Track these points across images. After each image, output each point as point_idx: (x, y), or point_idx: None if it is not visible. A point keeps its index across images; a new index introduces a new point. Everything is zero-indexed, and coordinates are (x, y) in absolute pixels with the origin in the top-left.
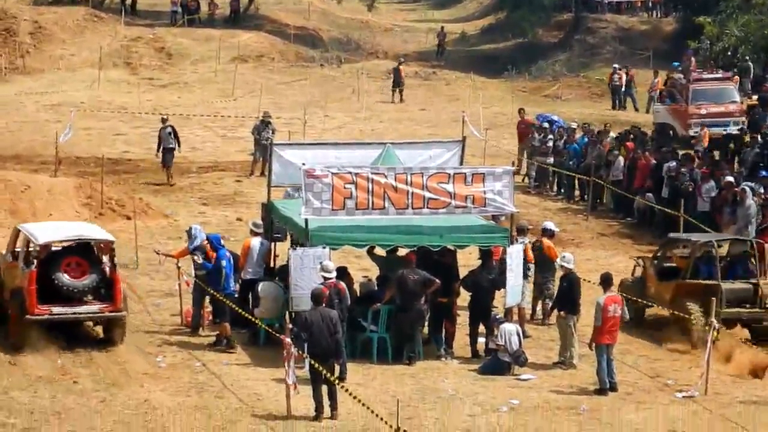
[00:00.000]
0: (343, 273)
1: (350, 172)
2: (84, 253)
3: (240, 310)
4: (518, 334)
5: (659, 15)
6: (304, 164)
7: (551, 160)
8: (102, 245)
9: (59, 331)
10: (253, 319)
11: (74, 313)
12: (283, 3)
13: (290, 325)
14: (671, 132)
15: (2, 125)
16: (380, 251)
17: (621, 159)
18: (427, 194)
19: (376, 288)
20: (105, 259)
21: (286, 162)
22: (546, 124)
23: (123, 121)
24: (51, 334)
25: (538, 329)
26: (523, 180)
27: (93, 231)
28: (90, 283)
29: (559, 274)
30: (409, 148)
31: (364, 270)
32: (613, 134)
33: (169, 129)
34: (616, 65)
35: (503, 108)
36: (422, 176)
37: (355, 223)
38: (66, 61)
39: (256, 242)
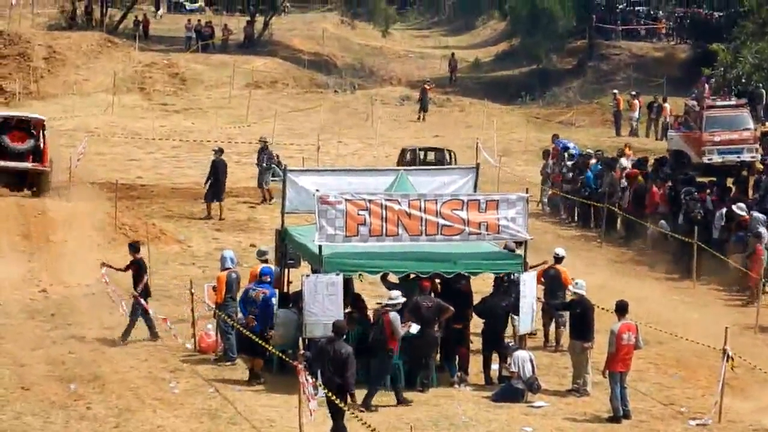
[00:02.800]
0: (356, 300)
1: (364, 199)
2: (25, 126)
3: (255, 338)
4: (531, 361)
5: (675, 41)
6: (317, 191)
7: (566, 187)
8: (36, 122)
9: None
10: (266, 346)
11: (14, 167)
12: (297, 29)
13: (302, 351)
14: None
15: None
16: (393, 278)
17: None
18: (441, 221)
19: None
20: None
21: (300, 188)
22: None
23: (137, 146)
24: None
25: (552, 356)
26: (537, 205)
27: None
28: (26, 148)
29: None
30: (423, 175)
31: (378, 297)
32: (626, 161)
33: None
34: (615, 91)
35: (517, 134)
36: (436, 203)
37: (369, 250)
38: (80, 86)
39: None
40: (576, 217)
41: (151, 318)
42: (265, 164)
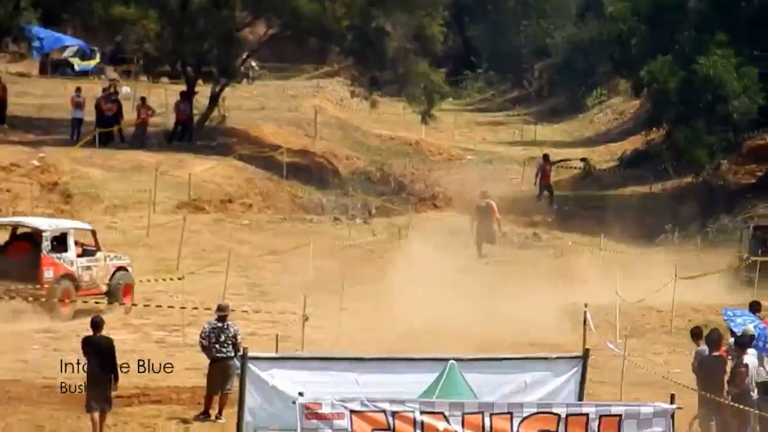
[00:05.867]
0: None
1: (384, 410)
2: None
3: None
4: None
5: None
6: (301, 394)
7: (755, 394)
8: None
9: None
10: None
11: None
12: (271, 108)
13: None
14: None
15: None
16: None
17: None
18: None
19: None
20: None
21: (269, 390)
22: (735, 329)
23: None
24: None
25: None
26: (691, 426)
27: None
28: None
29: None
30: (489, 369)
31: None
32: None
33: None
34: None
35: (657, 299)
36: (511, 420)
37: None
38: None
39: None
40: None
41: None
42: (225, 349)
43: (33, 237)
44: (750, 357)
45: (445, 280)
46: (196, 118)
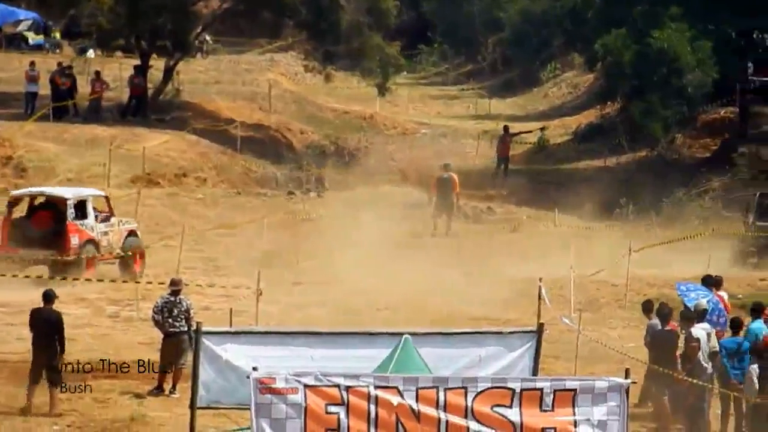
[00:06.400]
0: None
1: (338, 385)
2: None
3: None
4: None
5: None
6: (255, 369)
7: (709, 367)
8: None
9: None
10: None
11: None
12: (225, 82)
13: None
14: None
15: None
16: None
17: None
18: (475, 426)
19: None
20: None
21: (223, 364)
22: (689, 304)
23: None
24: None
25: None
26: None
27: None
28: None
29: None
30: (443, 344)
31: None
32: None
33: None
34: None
35: (612, 273)
36: (465, 394)
37: None
38: None
39: None
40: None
41: None
42: (178, 323)
43: (54, 205)
44: (698, 330)
45: (400, 255)
46: (150, 92)
